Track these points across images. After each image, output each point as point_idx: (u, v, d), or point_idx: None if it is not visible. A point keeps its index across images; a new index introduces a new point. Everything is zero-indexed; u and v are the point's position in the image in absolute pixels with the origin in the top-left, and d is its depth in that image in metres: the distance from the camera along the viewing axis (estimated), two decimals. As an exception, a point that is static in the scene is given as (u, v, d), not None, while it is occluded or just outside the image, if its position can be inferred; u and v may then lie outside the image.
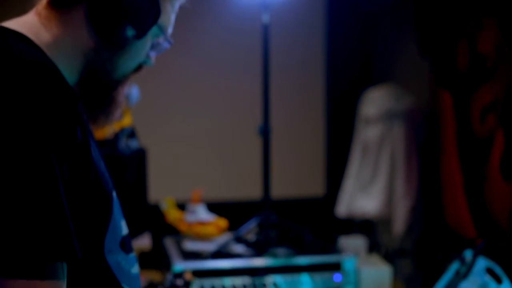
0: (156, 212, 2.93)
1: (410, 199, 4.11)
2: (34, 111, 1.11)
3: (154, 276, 2.62)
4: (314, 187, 4.29)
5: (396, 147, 4.08)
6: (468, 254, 2.24)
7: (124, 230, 1.41)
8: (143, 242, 2.82)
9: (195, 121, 3.65)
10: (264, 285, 2.49)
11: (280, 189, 3.31)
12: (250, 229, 2.66)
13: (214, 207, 2.82)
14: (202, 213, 2.71)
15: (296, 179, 4.15)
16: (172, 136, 3.55)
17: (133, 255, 1.42)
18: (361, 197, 4.12)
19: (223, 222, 2.71)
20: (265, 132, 2.65)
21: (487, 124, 3.54)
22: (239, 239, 2.63)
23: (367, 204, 4.11)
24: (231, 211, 2.93)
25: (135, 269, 1.42)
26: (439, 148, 3.95)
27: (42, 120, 1.11)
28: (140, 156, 2.82)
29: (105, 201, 1.32)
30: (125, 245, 1.39)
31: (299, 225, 2.74)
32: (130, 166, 2.75)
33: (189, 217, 2.71)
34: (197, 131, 3.64)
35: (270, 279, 2.49)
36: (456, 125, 3.76)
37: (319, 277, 2.53)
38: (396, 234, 4.13)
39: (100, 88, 1.35)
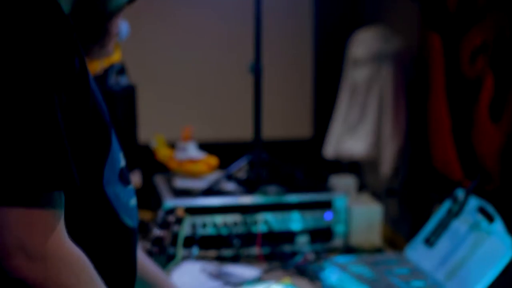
0: (146, 150, 2.91)
1: (397, 141, 4.11)
2: (32, 38, 1.09)
3: (145, 215, 2.62)
4: (302, 128, 4.28)
5: (384, 88, 4.07)
6: (460, 193, 2.25)
7: (122, 162, 1.40)
8: (133, 179, 2.80)
9: (186, 58, 3.61)
10: (255, 222, 2.49)
11: (268, 130, 3.30)
12: (241, 167, 2.66)
13: (204, 147, 2.80)
14: (192, 151, 2.69)
15: (284, 120, 4.14)
16: (162, 74, 3.52)
17: (131, 187, 1.42)
18: (349, 138, 4.12)
19: (213, 160, 2.70)
20: (256, 70, 2.63)
21: (477, 66, 3.53)
22: (230, 177, 2.63)
23: (355, 146, 4.11)
24: (222, 151, 2.92)
25: (133, 201, 1.42)
26: (427, 90, 3.95)
27: (39, 47, 1.09)
28: (129, 93, 2.79)
29: (104, 132, 1.31)
30: (123, 177, 1.38)
31: (290, 164, 2.74)
32: (120, 102, 2.73)
33: (179, 155, 2.70)
34: (188, 69, 3.61)
35: (260, 216, 2.50)
36: (445, 67, 3.75)
37: (309, 215, 2.54)
38: (383, 175, 4.14)
39: (94, 18, 1.33)
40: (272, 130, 3.62)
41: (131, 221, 1.38)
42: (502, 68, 3.42)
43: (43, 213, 1.11)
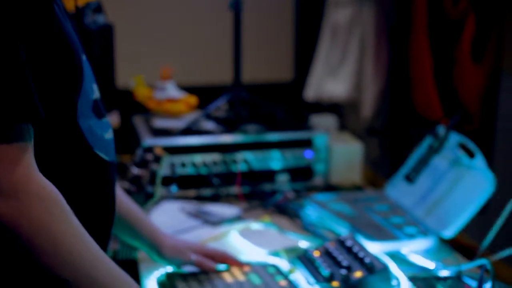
0: (124, 91, 2.87)
1: (378, 83, 4.09)
2: None
3: (124, 157, 2.59)
4: (283, 71, 4.24)
5: (365, 30, 4.03)
6: (440, 129, 2.24)
7: (96, 94, 1.37)
8: (112, 120, 2.77)
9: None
10: (235, 161, 2.47)
11: (249, 74, 3.26)
12: (220, 106, 2.63)
13: (184, 90, 2.77)
14: (171, 90, 2.66)
15: (265, 63, 4.10)
16: (140, 13, 3.45)
17: (106, 120, 1.39)
18: (330, 80, 4.10)
19: (193, 99, 2.67)
20: (236, 6, 2.58)
21: (459, 6, 3.50)
22: (209, 116, 2.60)
23: (336, 88, 4.09)
24: (202, 93, 2.88)
25: (109, 134, 1.39)
26: (409, 31, 3.91)
27: None
28: (107, 32, 2.74)
29: (75, 63, 1.27)
30: (97, 109, 1.35)
31: (270, 103, 2.71)
32: (97, 41, 2.68)
33: (158, 94, 2.66)
34: (167, 8, 3.54)
35: (240, 155, 2.48)
36: (428, 7, 3.72)
37: (290, 153, 2.52)
38: (364, 117, 4.13)
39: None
40: (252, 73, 3.58)
41: (106, 155, 1.35)
42: (484, 8, 3.39)
43: (9, 147, 1.09)
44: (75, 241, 1.18)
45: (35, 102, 1.10)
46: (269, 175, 2.51)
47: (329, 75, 4.10)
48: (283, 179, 2.52)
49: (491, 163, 3.42)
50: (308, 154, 2.53)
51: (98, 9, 2.69)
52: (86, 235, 1.20)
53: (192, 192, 2.45)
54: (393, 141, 3.72)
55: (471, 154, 2.09)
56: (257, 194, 2.45)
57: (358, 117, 4.11)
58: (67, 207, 1.17)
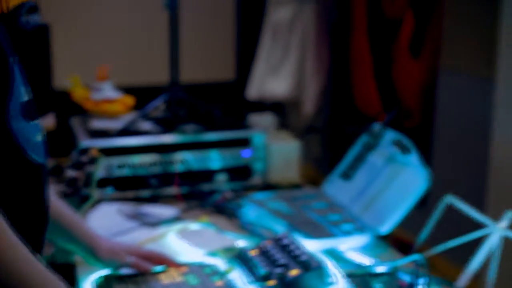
0: (61, 92, 2.84)
1: (320, 81, 4.13)
2: None
3: (61, 161, 2.55)
4: (224, 70, 4.24)
5: (307, 28, 4.05)
6: (376, 126, 2.25)
7: (25, 96, 1.35)
8: (47, 122, 2.74)
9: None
10: (173, 162, 2.46)
11: (189, 73, 3.25)
12: (157, 107, 2.62)
13: (121, 90, 2.74)
14: (108, 91, 2.64)
15: (205, 62, 4.10)
16: (76, 13, 3.42)
17: (37, 122, 1.37)
18: (272, 79, 4.12)
19: (130, 100, 2.65)
20: (172, 5, 2.57)
21: (397, 5, 3.54)
22: (146, 116, 2.59)
23: (278, 86, 4.11)
24: (139, 94, 2.86)
25: (39, 136, 1.37)
26: (349, 30, 3.95)
27: None
28: (43, 32, 2.71)
29: (2, 65, 1.25)
30: (27, 111, 1.33)
31: (208, 102, 2.70)
32: (32, 42, 2.64)
33: (95, 95, 2.64)
34: (103, 8, 3.52)
35: (178, 155, 2.46)
36: (367, 6, 3.76)
37: (228, 153, 2.52)
38: (306, 115, 4.16)
39: None
40: (193, 73, 3.58)
41: (38, 157, 1.34)
42: (421, 7, 3.44)
43: None
44: (5, 245, 1.16)
45: None
46: (208, 175, 2.50)
47: (270, 73, 4.12)
48: (221, 179, 2.51)
49: (431, 157, 3.48)
50: (246, 153, 2.53)
51: (34, 9, 2.65)
52: (15, 239, 1.19)
53: (130, 194, 2.43)
54: (332, 139, 3.75)
55: (406, 151, 2.11)
56: (195, 194, 2.44)
57: (299, 115, 4.14)
58: None
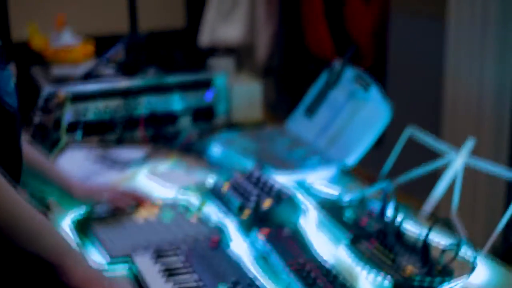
0: (20, 44, 2.83)
1: (271, 25, 4.15)
2: None
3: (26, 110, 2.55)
4: (175, 18, 4.24)
5: (256, -27, 4.07)
6: (336, 64, 2.31)
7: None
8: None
9: None
10: (137, 105, 2.48)
11: (142, 23, 3.25)
12: (118, 51, 2.63)
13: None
14: (67, 38, 2.64)
15: (156, 11, 4.08)
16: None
17: (8, 71, 1.39)
18: (223, 25, 4.13)
19: (89, 46, 2.66)
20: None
21: None
22: (108, 62, 2.60)
23: (230, 32, 4.13)
24: (98, 42, 2.86)
25: (12, 85, 1.39)
26: (299, -27, 3.98)
27: None
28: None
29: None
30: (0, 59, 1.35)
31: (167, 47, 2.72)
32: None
33: (54, 43, 2.64)
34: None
35: (142, 99, 2.49)
36: None
37: (191, 95, 2.55)
38: (259, 60, 4.19)
39: None
40: (146, 22, 3.57)
41: (11, 105, 1.36)
42: None
43: None
44: None
45: None
46: (172, 117, 2.53)
47: (222, 19, 4.13)
48: (185, 121, 2.55)
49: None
50: (208, 95, 2.57)
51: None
52: (0, 177, 1.22)
53: (96, 138, 2.45)
54: (288, 80, 3.80)
55: (366, 86, 2.17)
56: (161, 137, 2.47)
57: (253, 59, 4.18)
58: None
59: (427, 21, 3.40)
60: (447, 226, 1.61)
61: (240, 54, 3.96)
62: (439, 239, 1.61)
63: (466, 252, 1.53)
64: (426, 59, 3.45)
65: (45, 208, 1.90)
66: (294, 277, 1.44)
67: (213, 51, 3.59)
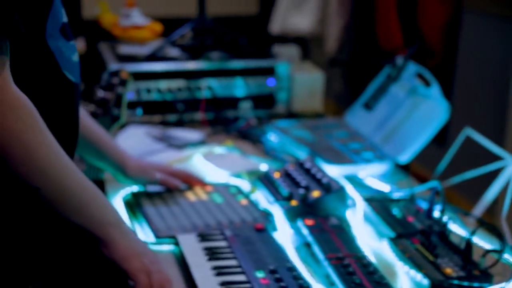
0: (90, 21, 2.88)
1: (343, 17, 4.15)
2: None
3: (91, 83, 2.61)
4: (248, 4, 4.26)
5: (331, -36, 4.06)
6: (399, 59, 2.30)
7: (64, 17, 1.40)
8: (78, 45, 2.79)
9: None
10: (199, 88, 2.52)
11: (214, 7, 3.28)
12: (185, 34, 2.66)
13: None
14: (136, 17, 2.68)
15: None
16: None
17: (73, 43, 1.42)
18: (295, 14, 4.14)
19: (158, 26, 2.70)
20: None
21: None
22: (174, 43, 2.63)
23: (301, 21, 4.14)
24: (166, 23, 2.90)
25: (76, 57, 1.43)
26: (374, -34, 3.96)
27: None
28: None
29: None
30: (65, 32, 1.39)
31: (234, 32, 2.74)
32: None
33: (123, 21, 2.68)
34: None
35: (204, 82, 2.52)
36: None
37: (252, 81, 2.57)
38: (328, 51, 4.19)
39: None
40: (218, 6, 3.60)
41: (73, 76, 1.39)
42: None
43: None
44: (47, 150, 1.23)
45: (15, 18, 1.14)
46: (233, 102, 2.56)
47: (294, 8, 4.14)
48: (246, 106, 2.57)
49: (451, 97, 3.52)
50: (270, 82, 2.58)
51: None
52: (57, 146, 1.26)
53: (157, 118, 2.50)
54: (354, 72, 3.78)
55: (427, 83, 2.16)
56: (220, 120, 2.50)
57: (322, 50, 4.18)
58: (40, 119, 1.22)
59: (498, 22, 3.34)
60: (492, 231, 1.60)
61: (307, 44, 3.96)
62: (484, 243, 1.60)
63: (510, 258, 1.52)
64: (495, 60, 3.40)
65: (100, 181, 1.95)
66: (332, 270, 1.45)
67: (282, 39, 3.60)
